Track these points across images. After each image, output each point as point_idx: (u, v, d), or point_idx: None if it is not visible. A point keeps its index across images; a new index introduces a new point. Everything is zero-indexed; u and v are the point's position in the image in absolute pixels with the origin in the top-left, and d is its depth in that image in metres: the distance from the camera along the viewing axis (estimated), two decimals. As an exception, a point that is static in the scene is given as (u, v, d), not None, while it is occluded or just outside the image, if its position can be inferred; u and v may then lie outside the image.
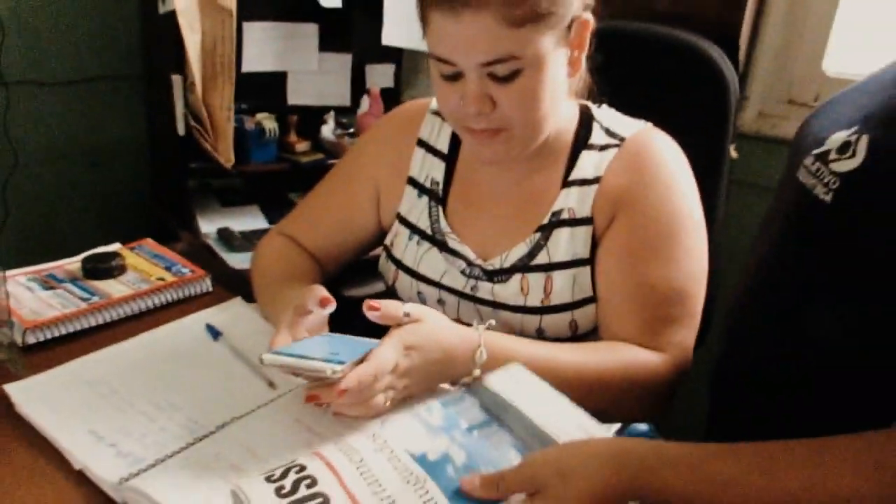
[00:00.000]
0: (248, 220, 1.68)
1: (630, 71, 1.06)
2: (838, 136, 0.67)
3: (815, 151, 0.68)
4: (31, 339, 0.85)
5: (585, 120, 0.90)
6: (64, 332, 0.88)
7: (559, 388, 0.71)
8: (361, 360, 0.66)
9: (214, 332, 0.90)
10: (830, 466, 0.54)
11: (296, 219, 1.04)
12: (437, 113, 0.97)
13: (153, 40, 1.59)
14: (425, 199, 0.95)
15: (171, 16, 1.42)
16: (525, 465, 0.61)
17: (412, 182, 0.96)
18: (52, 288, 0.98)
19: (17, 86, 1.74)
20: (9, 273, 0.97)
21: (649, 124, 0.90)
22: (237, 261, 1.41)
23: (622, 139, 0.87)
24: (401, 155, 0.96)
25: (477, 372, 0.73)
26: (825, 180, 0.66)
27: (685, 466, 0.57)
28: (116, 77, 1.81)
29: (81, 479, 0.66)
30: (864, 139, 0.65)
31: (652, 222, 0.83)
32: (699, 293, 0.85)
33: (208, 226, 1.62)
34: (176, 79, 1.48)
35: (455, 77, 0.78)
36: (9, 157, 1.80)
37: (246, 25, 1.60)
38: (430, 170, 0.95)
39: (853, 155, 0.65)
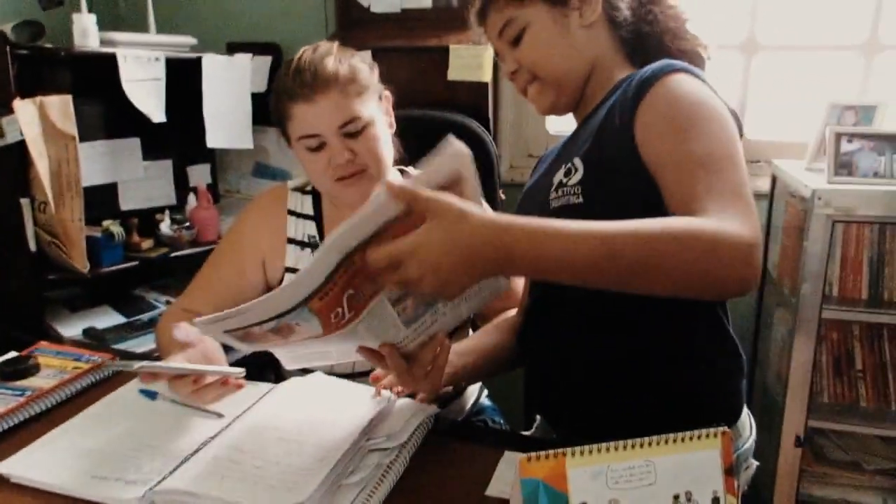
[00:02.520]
0: (106, 319, 1.81)
1: (420, 144, 1.48)
2: (558, 173, 0.95)
3: (553, 190, 0.94)
4: None
5: (406, 176, 1.29)
6: (14, 422, 0.98)
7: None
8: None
9: (150, 394, 1.04)
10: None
11: (191, 293, 1.27)
12: (296, 189, 1.30)
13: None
14: (308, 250, 1.25)
15: (14, 147, 1.58)
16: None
17: (292, 241, 1.26)
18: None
19: None
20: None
21: None
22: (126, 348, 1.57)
23: None
24: (277, 224, 1.26)
25: None
26: (572, 192, 0.91)
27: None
28: None
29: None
30: (577, 160, 0.92)
31: None
32: None
33: (68, 331, 1.74)
34: (24, 202, 1.62)
35: (320, 147, 1.14)
36: None
37: (80, 146, 1.78)
38: (304, 228, 1.26)
39: (576, 171, 0.92)
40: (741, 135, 0.89)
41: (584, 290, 0.74)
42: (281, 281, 1.25)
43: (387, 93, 1.24)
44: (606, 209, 0.82)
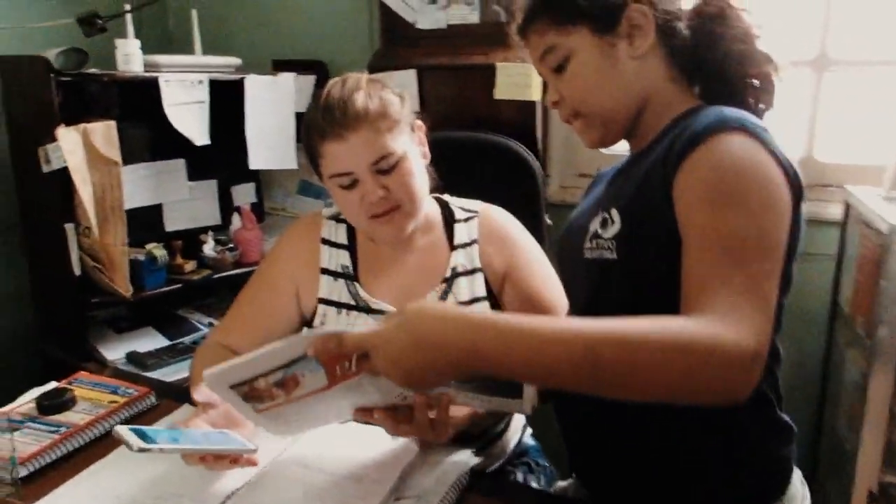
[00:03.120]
0: (149, 342, 1.82)
1: (461, 167, 1.43)
2: (595, 221, 0.90)
3: (588, 238, 0.89)
4: (22, 472, 0.95)
5: (443, 203, 1.25)
6: (47, 461, 0.99)
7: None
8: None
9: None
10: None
11: (226, 325, 1.24)
12: (331, 218, 1.26)
13: (36, 196, 1.72)
14: (341, 280, 1.21)
15: (58, 173, 1.59)
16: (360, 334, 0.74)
17: (325, 271, 1.22)
18: (16, 429, 1.10)
19: None
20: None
21: (483, 203, 1.26)
22: (160, 376, 1.56)
23: (476, 212, 1.24)
24: (311, 254, 1.23)
25: None
26: (605, 246, 0.86)
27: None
28: None
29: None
30: (614, 211, 0.86)
31: (531, 277, 1.20)
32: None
33: (112, 354, 1.74)
34: (69, 227, 1.63)
35: (352, 185, 1.10)
36: None
37: (123, 170, 1.79)
38: (338, 259, 1.22)
39: (613, 223, 0.86)
40: (800, 198, 0.80)
41: None
42: (314, 313, 1.22)
43: (419, 122, 1.19)
44: (641, 269, 0.82)
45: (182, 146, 1.85)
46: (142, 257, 1.76)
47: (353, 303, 1.20)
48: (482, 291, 1.19)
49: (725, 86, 0.91)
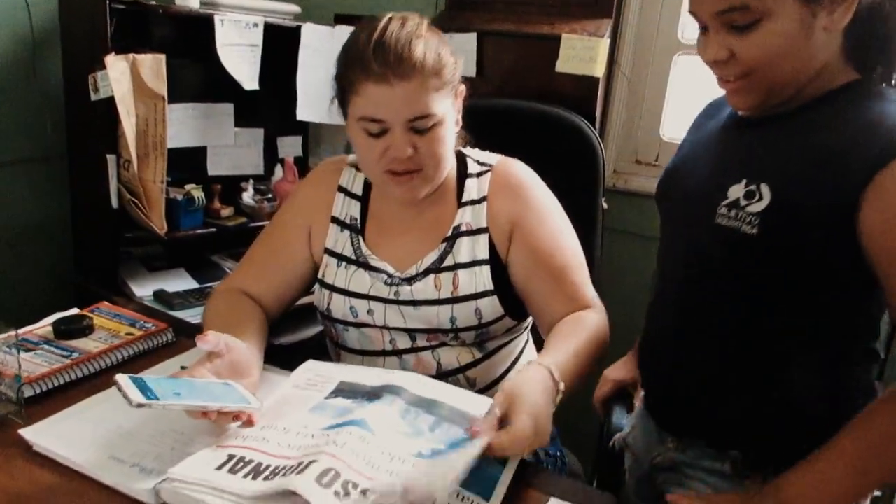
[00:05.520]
0: (179, 283, 1.80)
1: (520, 138, 1.35)
2: (736, 188, 0.88)
3: (725, 202, 0.88)
4: (28, 392, 0.95)
5: (460, 157, 1.17)
6: (54, 384, 0.99)
7: (584, 368, 1.00)
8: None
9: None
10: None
11: (241, 270, 1.21)
12: (352, 165, 1.20)
13: (83, 125, 1.71)
14: (347, 232, 1.16)
15: (104, 102, 1.57)
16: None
17: (335, 220, 1.17)
18: (30, 350, 1.09)
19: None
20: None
21: (503, 156, 1.18)
22: (185, 317, 1.55)
23: (490, 166, 1.16)
24: (326, 200, 1.18)
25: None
26: (747, 220, 0.85)
27: None
28: (33, 160, 1.88)
29: (113, 493, 0.78)
30: (765, 186, 0.85)
31: (540, 227, 1.12)
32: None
33: (141, 290, 1.74)
34: (110, 158, 1.62)
35: (381, 133, 1.02)
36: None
37: (169, 107, 1.77)
38: (349, 209, 1.17)
39: (760, 198, 0.85)
40: None
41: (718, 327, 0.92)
42: (320, 260, 1.18)
43: (462, 87, 1.12)
44: (778, 254, 0.84)
45: (232, 91, 1.83)
46: (180, 197, 1.74)
47: (353, 257, 1.15)
48: (484, 254, 1.11)
49: (882, 61, 0.88)
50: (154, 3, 1.64)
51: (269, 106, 1.99)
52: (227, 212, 1.86)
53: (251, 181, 1.96)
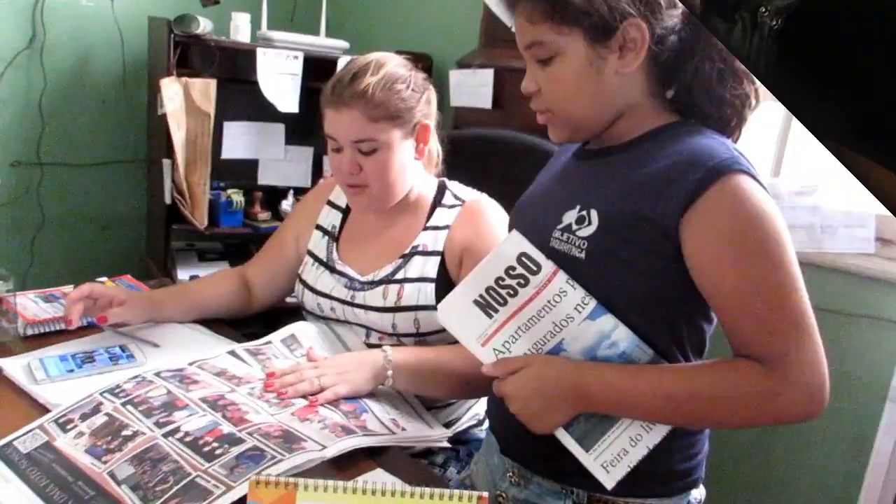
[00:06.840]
0: (215, 271, 2.11)
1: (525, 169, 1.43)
2: (570, 214, 0.90)
3: (559, 227, 0.90)
4: (29, 332, 1.20)
5: (441, 188, 1.30)
6: (54, 328, 1.22)
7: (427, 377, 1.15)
8: None
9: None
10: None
11: (252, 259, 1.44)
12: None
13: (153, 134, 2.08)
14: (326, 238, 1.34)
15: (165, 116, 1.92)
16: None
17: (318, 227, 1.36)
18: (50, 302, 1.38)
19: (50, 166, 2.26)
20: (23, 292, 1.38)
21: (484, 194, 1.28)
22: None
23: (463, 201, 1.27)
24: (315, 211, 1.37)
25: (389, 373, 1.09)
26: (576, 244, 0.88)
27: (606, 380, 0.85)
28: (125, 161, 2.35)
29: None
30: (594, 212, 0.87)
31: (487, 247, 1.16)
32: None
33: (182, 274, 2.06)
34: (166, 162, 1.96)
35: (339, 150, 1.20)
36: (38, 219, 2.29)
37: (226, 124, 2.09)
38: (332, 219, 1.35)
39: (589, 223, 0.87)
40: None
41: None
42: (301, 260, 1.37)
43: (426, 122, 1.23)
44: (601, 276, 0.87)
45: (285, 113, 2.12)
46: (222, 199, 2.05)
47: (324, 259, 1.33)
48: (432, 273, 1.23)
49: (697, 105, 0.90)
50: (211, 36, 1.97)
51: (321, 128, 2.25)
52: (264, 215, 2.15)
53: (292, 191, 2.24)
